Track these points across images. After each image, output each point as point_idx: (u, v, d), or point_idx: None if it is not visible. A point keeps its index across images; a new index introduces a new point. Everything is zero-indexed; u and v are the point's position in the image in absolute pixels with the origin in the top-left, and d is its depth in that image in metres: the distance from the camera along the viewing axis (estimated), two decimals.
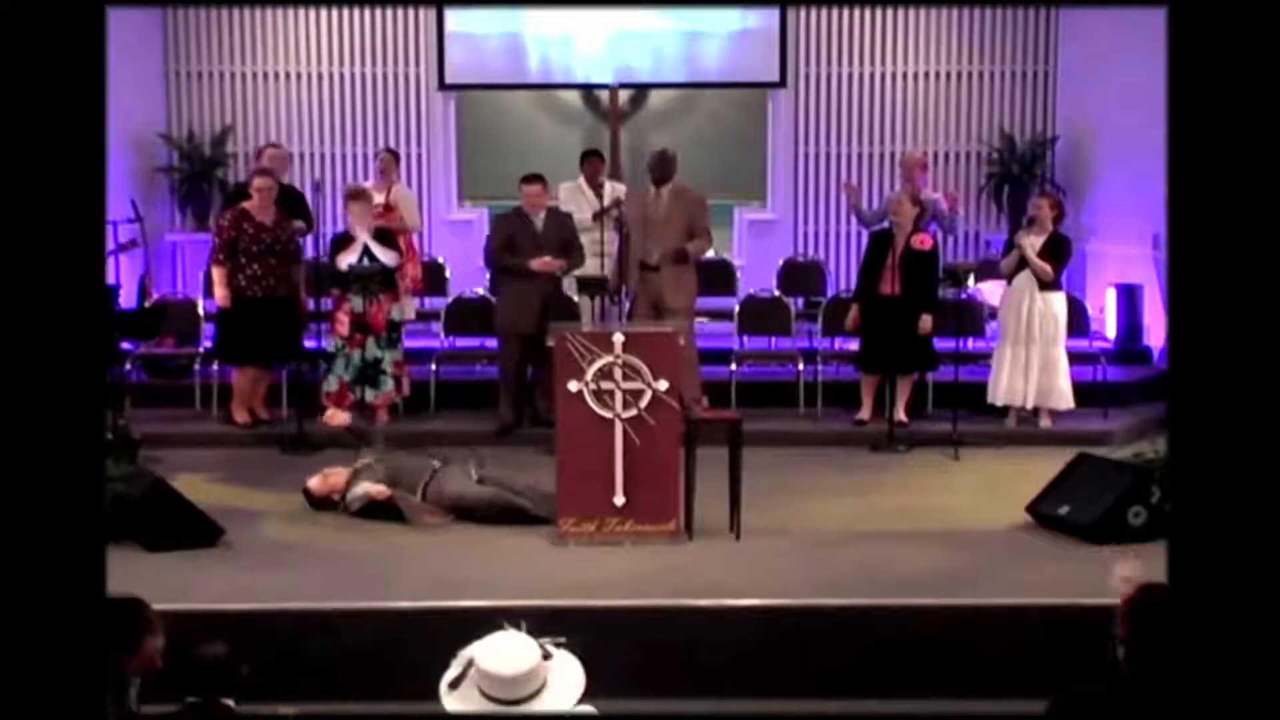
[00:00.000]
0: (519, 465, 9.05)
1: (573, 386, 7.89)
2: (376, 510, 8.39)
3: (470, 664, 4.01)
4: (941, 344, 10.58)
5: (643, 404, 7.87)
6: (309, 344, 10.58)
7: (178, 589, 6.73)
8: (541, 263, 10.26)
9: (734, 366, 11.13)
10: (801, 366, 11.09)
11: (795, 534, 8.16)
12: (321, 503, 8.57)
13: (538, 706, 4.03)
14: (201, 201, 13.33)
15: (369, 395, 10.24)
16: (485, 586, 7.03)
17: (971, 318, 11.27)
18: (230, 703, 4.79)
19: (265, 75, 13.62)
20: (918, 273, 10.33)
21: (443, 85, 13.62)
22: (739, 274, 12.77)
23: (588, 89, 14.26)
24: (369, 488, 8.36)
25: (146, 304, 11.79)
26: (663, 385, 7.88)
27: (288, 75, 13.61)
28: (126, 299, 11.93)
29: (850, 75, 13.63)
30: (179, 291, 12.38)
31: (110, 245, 11.47)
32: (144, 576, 7.21)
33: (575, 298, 11.12)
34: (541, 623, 4.15)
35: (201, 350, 11.16)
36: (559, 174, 12.82)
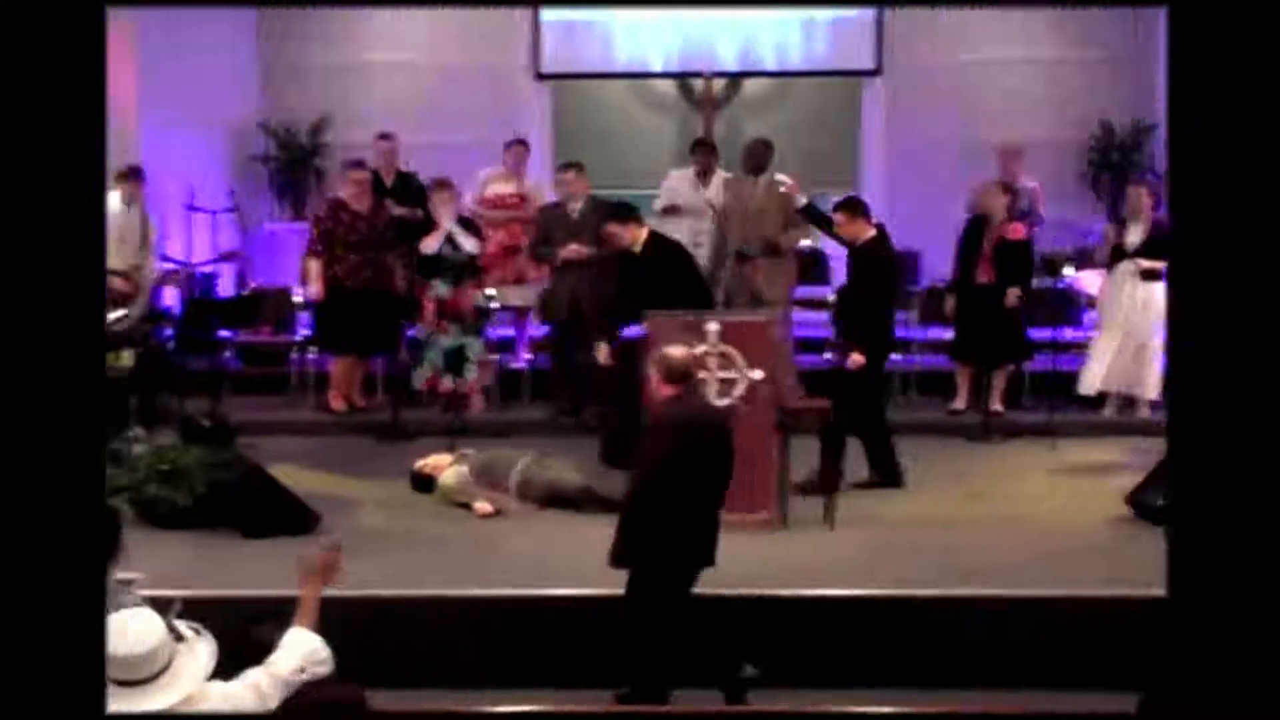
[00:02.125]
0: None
1: None
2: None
3: None
4: (1037, 334, 10.47)
5: (737, 393, 7.85)
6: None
7: (275, 575, 6.78)
8: (570, 250, 10.27)
9: (827, 355, 11.07)
10: (895, 355, 10.99)
11: (889, 524, 8.11)
12: (424, 483, 8.65)
13: (157, 690, 3.90)
14: (298, 191, 13.44)
15: (456, 383, 10.27)
16: (574, 575, 7.02)
17: (1067, 307, 11.14)
18: None
19: (361, 65, 13.69)
20: (1012, 262, 10.23)
21: (538, 75, 13.64)
22: (832, 263, 12.69)
23: (682, 77, 14.22)
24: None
25: (244, 293, 11.92)
26: (757, 374, 7.85)
27: (384, 65, 13.68)
28: (224, 288, 12.06)
29: (945, 62, 13.49)
30: (276, 280, 12.50)
31: (212, 253, 11.68)
32: (241, 563, 7.32)
33: None
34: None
35: (298, 338, 11.27)
36: (653, 163, 12.84)
